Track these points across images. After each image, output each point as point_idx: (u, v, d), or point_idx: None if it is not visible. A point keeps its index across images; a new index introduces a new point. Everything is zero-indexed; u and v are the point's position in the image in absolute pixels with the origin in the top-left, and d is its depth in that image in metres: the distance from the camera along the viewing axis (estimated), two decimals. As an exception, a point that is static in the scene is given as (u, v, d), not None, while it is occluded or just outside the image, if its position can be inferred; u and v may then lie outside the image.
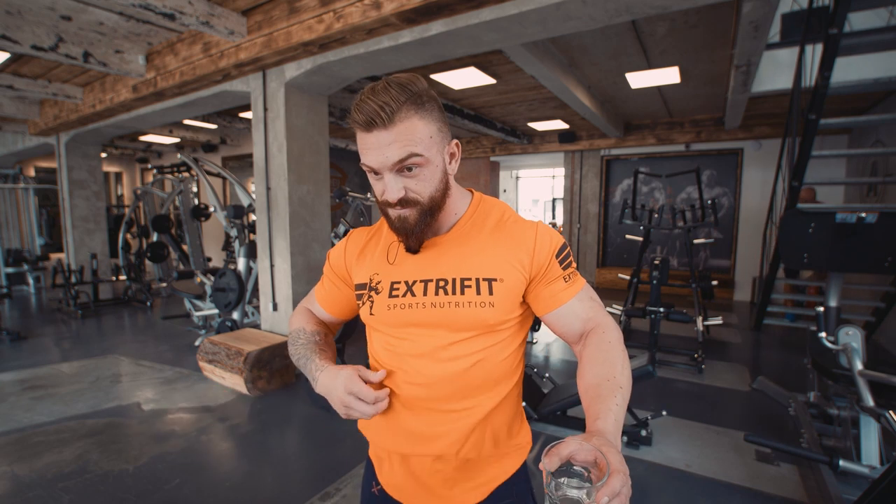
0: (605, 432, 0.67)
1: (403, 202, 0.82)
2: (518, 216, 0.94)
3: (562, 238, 0.91)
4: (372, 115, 0.76)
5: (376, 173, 0.82)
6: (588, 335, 0.88)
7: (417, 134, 0.78)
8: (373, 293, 0.92)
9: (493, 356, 0.88)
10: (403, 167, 0.80)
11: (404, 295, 0.88)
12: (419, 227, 0.85)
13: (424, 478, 0.91)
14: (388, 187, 0.81)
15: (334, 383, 0.84)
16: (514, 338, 0.91)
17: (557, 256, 0.88)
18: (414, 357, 0.88)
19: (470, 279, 0.86)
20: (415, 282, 0.89)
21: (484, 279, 0.86)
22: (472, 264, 0.87)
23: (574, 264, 0.91)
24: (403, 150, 0.77)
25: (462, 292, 0.86)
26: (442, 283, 0.87)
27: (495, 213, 0.94)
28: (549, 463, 0.60)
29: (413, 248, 0.90)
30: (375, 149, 0.79)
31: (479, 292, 0.85)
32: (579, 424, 2.98)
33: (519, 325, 0.92)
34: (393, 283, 0.90)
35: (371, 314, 0.91)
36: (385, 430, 0.93)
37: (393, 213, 0.84)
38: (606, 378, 0.77)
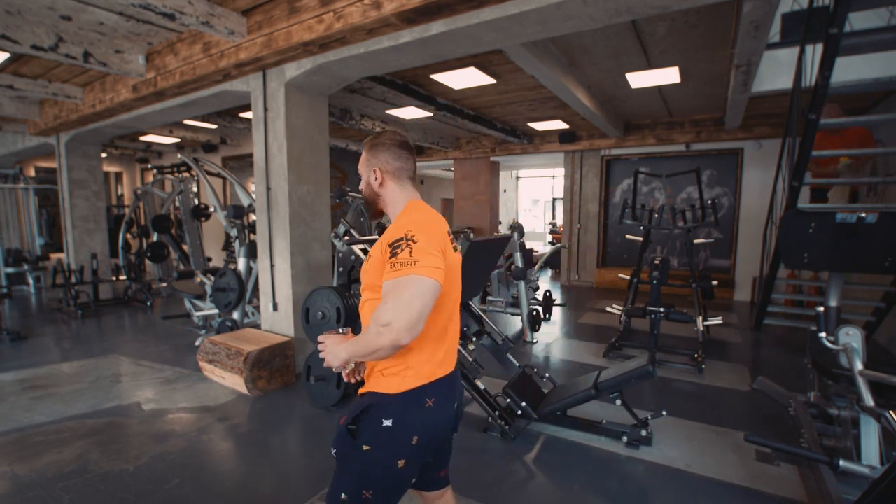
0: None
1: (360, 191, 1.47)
2: (403, 217, 1.33)
3: (402, 233, 1.20)
4: None
5: None
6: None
7: (361, 159, 1.43)
8: None
9: (374, 305, 1.28)
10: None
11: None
12: (366, 207, 1.49)
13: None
14: None
15: None
16: None
17: (390, 246, 1.20)
18: None
19: (370, 254, 1.33)
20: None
21: (370, 255, 1.32)
22: (375, 245, 1.31)
23: (412, 254, 1.16)
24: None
25: (367, 262, 1.33)
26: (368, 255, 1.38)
27: (398, 215, 1.37)
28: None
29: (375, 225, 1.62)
30: None
31: (367, 263, 1.32)
32: (580, 424, 2.98)
33: None
34: None
35: None
36: None
37: None
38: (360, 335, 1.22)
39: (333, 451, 1.28)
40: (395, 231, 1.22)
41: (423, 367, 1.26)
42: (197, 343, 4.81)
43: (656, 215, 5.57)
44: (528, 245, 5.71)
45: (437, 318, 1.27)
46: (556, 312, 6.63)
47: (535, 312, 5.31)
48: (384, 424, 1.22)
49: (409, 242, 1.17)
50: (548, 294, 5.82)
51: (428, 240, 1.19)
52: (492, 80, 5.29)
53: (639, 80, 5.29)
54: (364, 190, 1.41)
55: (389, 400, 1.24)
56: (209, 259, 7.14)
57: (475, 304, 4.22)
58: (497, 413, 2.92)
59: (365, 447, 1.22)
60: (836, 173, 4.32)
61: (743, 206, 7.56)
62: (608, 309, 5.43)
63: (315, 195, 4.08)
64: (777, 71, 4.50)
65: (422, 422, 1.25)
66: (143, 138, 9.02)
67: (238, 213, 4.94)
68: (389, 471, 1.23)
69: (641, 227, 5.42)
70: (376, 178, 1.38)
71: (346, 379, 1.37)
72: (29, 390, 3.68)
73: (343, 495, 1.24)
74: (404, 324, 1.09)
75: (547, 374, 3.37)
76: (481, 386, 3.01)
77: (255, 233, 4.78)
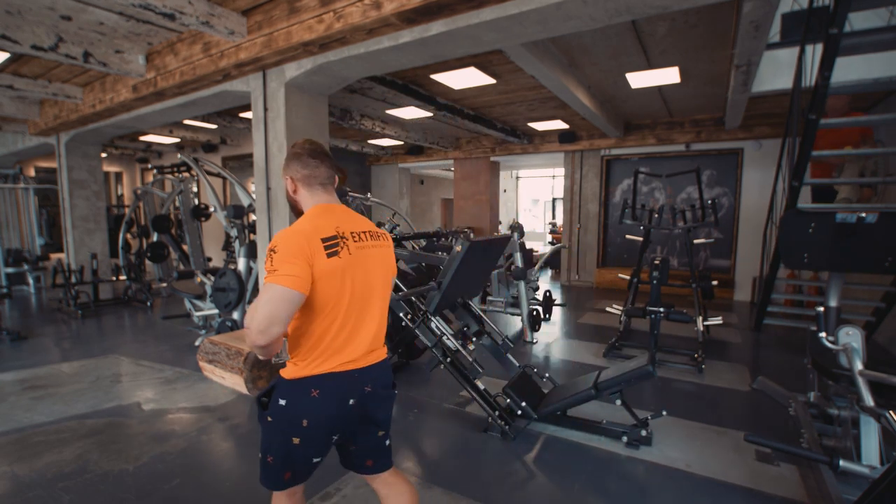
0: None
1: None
2: (296, 223, 1.43)
3: (272, 244, 1.32)
4: None
5: None
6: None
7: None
8: None
9: None
10: None
11: None
12: (291, 211, 1.66)
13: None
14: None
15: None
16: None
17: (266, 256, 1.32)
18: None
19: None
20: None
21: None
22: None
23: (272, 264, 1.29)
24: None
25: None
26: None
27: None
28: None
29: None
30: None
31: None
32: (580, 424, 2.98)
33: None
34: None
35: None
36: None
37: None
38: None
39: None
40: (271, 242, 1.36)
41: (304, 360, 1.42)
42: (197, 343, 4.81)
43: (656, 215, 5.56)
44: (528, 245, 5.71)
45: (314, 318, 1.39)
46: (556, 312, 6.63)
47: (535, 312, 5.31)
48: (280, 403, 1.41)
49: (272, 253, 1.31)
50: (548, 294, 5.83)
51: (287, 250, 1.30)
52: (492, 80, 5.29)
53: (639, 80, 5.29)
54: (286, 195, 1.57)
55: (285, 384, 1.43)
56: (209, 259, 7.14)
57: (475, 304, 4.22)
58: (497, 413, 2.92)
59: (269, 418, 1.43)
60: (841, 165, 4.21)
61: (743, 206, 7.56)
62: (608, 309, 5.43)
63: (315, 195, 4.07)
64: (777, 71, 4.50)
65: (308, 409, 1.39)
66: (143, 138, 9.02)
67: (238, 213, 4.94)
68: (286, 444, 1.41)
69: (641, 227, 5.42)
70: (291, 186, 1.53)
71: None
72: (29, 390, 3.68)
73: (259, 454, 1.48)
74: (255, 326, 1.25)
75: (547, 374, 3.37)
76: (481, 386, 3.01)
77: (255, 233, 4.78)
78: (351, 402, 1.45)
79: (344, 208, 1.56)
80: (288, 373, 1.44)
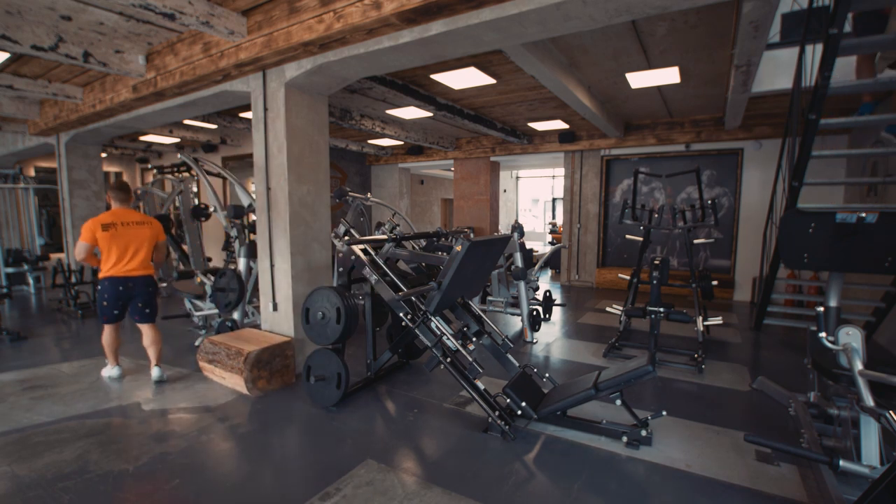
0: None
1: None
2: (99, 215, 3.67)
3: (84, 225, 3.54)
4: None
5: None
6: None
7: None
8: None
9: None
10: None
11: None
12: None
13: None
14: None
15: None
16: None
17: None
18: None
19: None
20: None
21: None
22: None
23: (81, 231, 3.56)
24: None
25: None
26: None
27: None
28: None
29: None
30: None
31: None
32: (580, 424, 2.98)
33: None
34: None
35: None
36: None
37: None
38: None
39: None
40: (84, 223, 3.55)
41: (102, 271, 3.59)
42: (197, 343, 4.81)
43: (656, 215, 5.57)
44: (528, 245, 5.71)
45: (103, 254, 3.57)
46: (556, 312, 6.64)
47: (535, 312, 5.31)
48: (99, 287, 3.65)
49: (82, 228, 3.49)
50: (548, 294, 5.83)
51: (85, 227, 3.49)
52: (492, 80, 5.29)
53: (639, 80, 5.29)
54: (106, 201, 3.06)
55: (100, 280, 3.63)
56: (209, 259, 7.13)
57: (475, 304, 4.21)
58: (497, 413, 2.92)
59: (97, 294, 3.70)
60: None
61: (743, 206, 7.56)
62: (608, 309, 5.43)
63: (315, 195, 4.08)
64: (777, 71, 4.51)
65: (104, 289, 3.61)
66: (143, 138, 9.02)
67: (238, 213, 4.93)
68: (102, 303, 3.64)
69: (641, 227, 5.42)
70: (108, 199, 3.53)
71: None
72: (29, 390, 3.68)
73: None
74: (74, 254, 3.96)
75: (547, 374, 3.37)
76: (481, 386, 3.01)
77: (255, 233, 4.78)
78: (120, 288, 3.61)
79: (125, 210, 3.66)
80: (100, 275, 3.56)
